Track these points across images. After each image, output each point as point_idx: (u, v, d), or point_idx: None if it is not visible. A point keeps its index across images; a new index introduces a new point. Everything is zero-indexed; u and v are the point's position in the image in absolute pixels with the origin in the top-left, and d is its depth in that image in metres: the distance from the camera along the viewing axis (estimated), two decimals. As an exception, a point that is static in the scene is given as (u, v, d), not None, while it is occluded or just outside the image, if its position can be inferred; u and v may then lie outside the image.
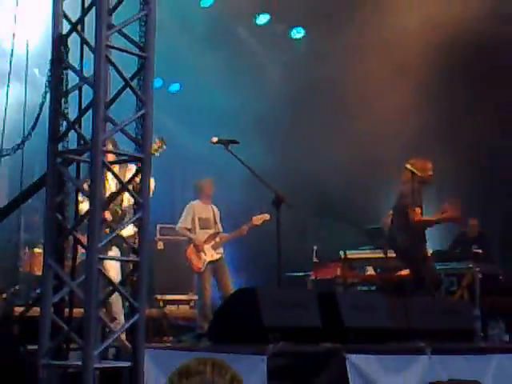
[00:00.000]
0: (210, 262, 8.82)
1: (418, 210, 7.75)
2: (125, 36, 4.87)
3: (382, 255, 8.75)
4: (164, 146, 6.60)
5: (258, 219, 8.94)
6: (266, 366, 4.70)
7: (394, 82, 9.44)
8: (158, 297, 8.41)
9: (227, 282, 8.77)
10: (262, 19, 11.10)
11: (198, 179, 9.14)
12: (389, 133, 9.73)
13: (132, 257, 4.85)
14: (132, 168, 5.76)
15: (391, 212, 8.88)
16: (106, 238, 4.70)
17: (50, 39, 4.88)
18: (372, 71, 9.68)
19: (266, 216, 8.73)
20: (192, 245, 8.88)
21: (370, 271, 9.25)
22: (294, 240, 8.78)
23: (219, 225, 9.12)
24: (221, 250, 9.00)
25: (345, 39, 9.80)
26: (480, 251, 8.57)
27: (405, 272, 8.38)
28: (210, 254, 8.85)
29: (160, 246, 9.40)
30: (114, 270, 6.61)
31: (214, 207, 9.14)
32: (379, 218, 9.65)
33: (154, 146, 6.59)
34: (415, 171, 7.81)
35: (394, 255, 8.43)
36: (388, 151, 9.64)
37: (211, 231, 8.99)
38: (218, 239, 8.98)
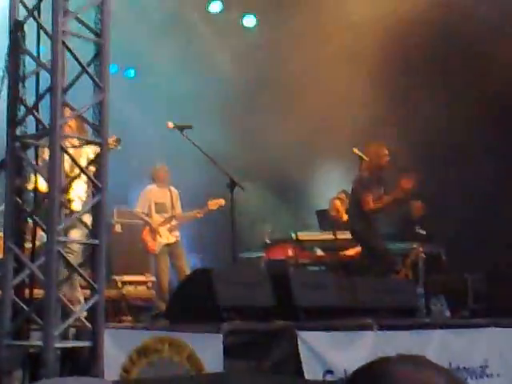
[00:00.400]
0: (166, 245, 8.93)
1: (368, 198, 7.81)
2: (81, 22, 4.96)
3: (331, 236, 8.92)
4: (119, 147, 6.62)
5: (213, 204, 8.94)
6: (221, 343, 4.88)
7: (344, 67, 9.60)
8: (116, 278, 8.48)
9: (183, 264, 8.84)
10: (215, 7, 11.16)
11: (153, 165, 9.18)
12: (340, 116, 9.91)
13: (91, 240, 4.98)
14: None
15: (340, 195, 9.10)
16: (66, 221, 4.82)
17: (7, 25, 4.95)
18: (323, 57, 9.84)
19: (222, 201, 8.74)
20: (148, 228, 8.98)
21: (320, 252, 9.44)
22: (248, 222, 8.92)
23: (178, 208, 9.18)
24: (177, 233, 9.09)
25: (296, 27, 9.93)
26: (423, 232, 8.80)
27: (352, 252, 8.60)
28: (166, 237, 8.95)
29: (118, 229, 9.44)
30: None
31: (173, 190, 9.14)
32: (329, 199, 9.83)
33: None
34: (362, 156, 7.93)
35: (343, 236, 8.63)
36: (339, 134, 9.82)
37: (167, 215, 9.08)
38: (173, 222, 9.08)
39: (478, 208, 9.56)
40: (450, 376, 1.25)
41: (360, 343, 5.33)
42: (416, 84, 10.04)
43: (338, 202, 9.30)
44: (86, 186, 6.19)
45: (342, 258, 8.69)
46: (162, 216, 9.04)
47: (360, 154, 7.94)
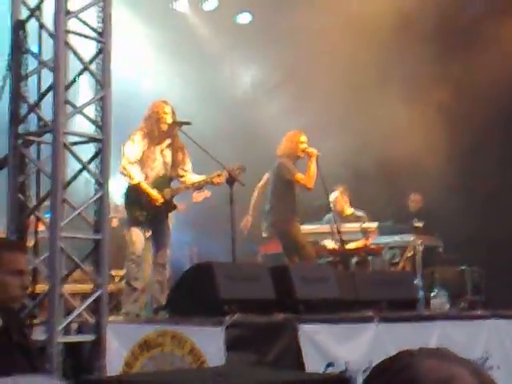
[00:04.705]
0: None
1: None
2: (83, 22, 5.00)
3: (329, 230, 8.91)
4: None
5: (198, 196, 8.81)
6: (223, 336, 4.92)
7: (342, 61, 9.59)
8: (113, 273, 8.46)
9: None
10: (210, 5, 11.02)
11: None
12: (337, 110, 9.91)
13: (94, 235, 5.02)
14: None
15: (341, 189, 9.15)
16: (68, 217, 4.87)
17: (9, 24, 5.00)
18: (320, 52, 9.85)
19: (207, 193, 8.63)
20: None
21: (331, 244, 9.36)
22: (244, 215, 8.91)
23: None
24: None
25: (292, 22, 9.91)
26: (421, 225, 8.82)
27: (359, 244, 8.60)
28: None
29: (114, 223, 9.41)
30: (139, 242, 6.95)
31: None
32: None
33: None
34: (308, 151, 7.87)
35: (344, 230, 8.65)
36: (337, 130, 9.81)
37: None
38: None
39: (476, 200, 9.59)
40: (474, 368, 1.24)
41: (361, 336, 5.36)
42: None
43: (339, 197, 9.32)
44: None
45: (343, 251, 8.68)
46: None
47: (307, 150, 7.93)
